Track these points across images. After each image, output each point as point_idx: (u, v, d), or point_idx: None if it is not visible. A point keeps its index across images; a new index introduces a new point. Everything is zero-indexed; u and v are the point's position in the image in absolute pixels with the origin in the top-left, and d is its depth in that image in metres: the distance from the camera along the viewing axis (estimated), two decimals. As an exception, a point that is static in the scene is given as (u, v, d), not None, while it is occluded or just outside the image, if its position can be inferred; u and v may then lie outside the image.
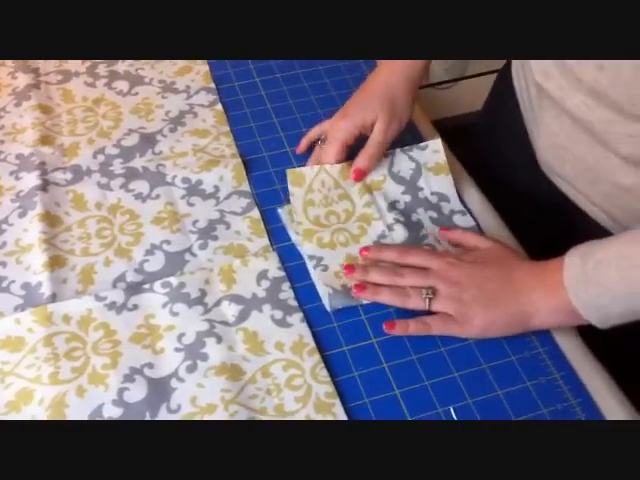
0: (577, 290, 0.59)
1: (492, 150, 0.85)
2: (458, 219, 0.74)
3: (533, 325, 0.63)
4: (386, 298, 0.66)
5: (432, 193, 0.76)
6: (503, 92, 0.79)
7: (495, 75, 0.89)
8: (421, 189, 0.76)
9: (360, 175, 0.75)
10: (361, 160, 0.75)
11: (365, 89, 0.77)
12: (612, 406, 0.62)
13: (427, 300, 0.64)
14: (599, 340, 0.65)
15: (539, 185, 0.75)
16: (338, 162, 0.75)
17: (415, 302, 0.65)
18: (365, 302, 0.67)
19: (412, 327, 0.64)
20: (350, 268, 0.68)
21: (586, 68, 0.60)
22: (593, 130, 0.63)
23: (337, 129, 0.75)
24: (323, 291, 0.67)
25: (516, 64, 0.79)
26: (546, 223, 0.76)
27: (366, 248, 0.69)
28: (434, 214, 0.74)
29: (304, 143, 0.80)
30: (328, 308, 0.66)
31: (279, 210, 0.75)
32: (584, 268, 0.58)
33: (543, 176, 0.75)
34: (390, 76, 0.76)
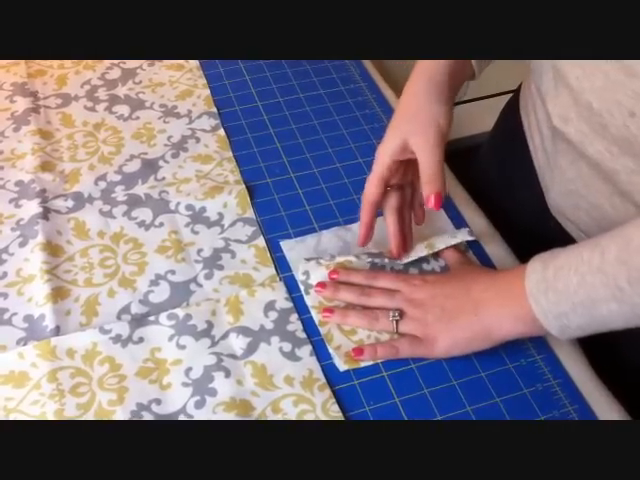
0: (538, 297, 0.57)
1: (498, 183, 0.84)
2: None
3: (497, 337, 0.62)
4: (354, 321, 0.66)
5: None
6: (510, 127, 0.77)
7: (501, 97, 0.88)
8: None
9: (440, 201, 0.66)
10: (429, 187, 0.66)
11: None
12: (609, 413, 0.63)
13: (394, 322, 0.65)
14: (595, 345, 0.66)
15: (547, 223, 0.74)
16: (379, 192, 0.69)
17: (383, 325, 0.65)
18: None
19: (380, 351, 0.64)
20: (322, 285, 0.68)
21: (617, 114, 0.57)
22: (615, 179, 0.61)
23: (378, 153, 0.69)
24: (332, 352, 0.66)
25: (525, 102, 0.77)
26: None
27: (335, 271, 0.69)
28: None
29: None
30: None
31: (281, 243, 0.74)
32: (545, 274, 0.57)
33: (552, 217, 0.73)
34: (414, 86, 0.70)
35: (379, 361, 0.65)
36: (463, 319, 0.62)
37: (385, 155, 0.68)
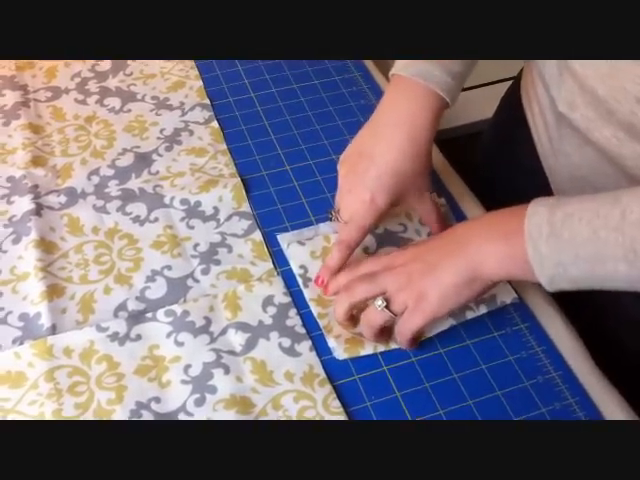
0: (538, 241, 0.53)
1: (500, 170, 0.83)
2: None
3: (485, 275, 0.58)
4: (364, 333, 0.64)
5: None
6: (512, 114, 0.76)
7: (501, 85, 0.87)
8: None
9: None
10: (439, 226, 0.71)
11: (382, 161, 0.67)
12: (610, 405, 0.62)
13: (384, 309, 0.61)
14: (598, 339, 0.66)
15: None
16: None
17: (376, 319, 0.62)
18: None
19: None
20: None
21: (623, 101, 0.57)
22: (622, 164, 0.60)
23: (363, 216, 0.67)
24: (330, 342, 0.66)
25: (527, 88, 0.76)
26: None
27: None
28: None
29: None
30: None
31: (278, 236, 0.73)
32: (551, 219, 0.53)
33: None
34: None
35: (379, 354, 0.64)
36: (447, 262, 0.59)
37: (381, 207, 0.66)
